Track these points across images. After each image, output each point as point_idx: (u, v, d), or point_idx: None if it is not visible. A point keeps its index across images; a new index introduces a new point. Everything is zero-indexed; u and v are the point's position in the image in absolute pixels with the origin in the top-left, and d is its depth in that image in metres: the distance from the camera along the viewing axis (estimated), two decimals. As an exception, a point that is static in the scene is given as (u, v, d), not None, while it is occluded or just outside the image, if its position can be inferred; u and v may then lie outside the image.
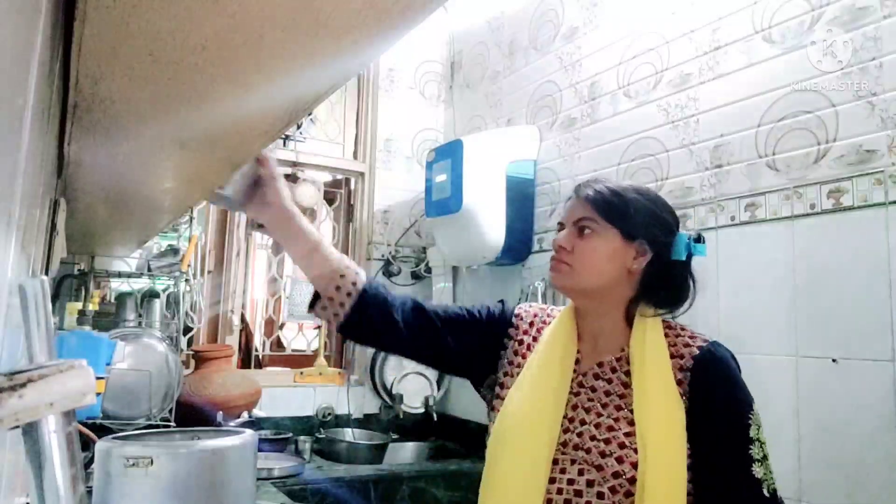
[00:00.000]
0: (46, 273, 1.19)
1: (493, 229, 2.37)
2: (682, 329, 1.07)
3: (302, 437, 2.51)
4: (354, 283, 1.11)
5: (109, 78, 0.68)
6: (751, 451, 0.95)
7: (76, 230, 1.78)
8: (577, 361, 1.10)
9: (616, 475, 0.96)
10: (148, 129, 0.89)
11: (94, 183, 1.21)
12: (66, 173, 1.11)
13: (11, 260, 0.50)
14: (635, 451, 0.96)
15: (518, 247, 2.43)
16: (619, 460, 0.96)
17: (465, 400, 2.81)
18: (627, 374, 1.04)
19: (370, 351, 2.92)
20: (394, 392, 2.83)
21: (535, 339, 1.16)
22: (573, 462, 0.99)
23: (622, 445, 0.97)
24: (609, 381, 1.05)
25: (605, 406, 1.03)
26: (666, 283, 1.09)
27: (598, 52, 2.24)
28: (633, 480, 0.95)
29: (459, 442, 2.72)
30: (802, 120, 1.57)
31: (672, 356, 1.02)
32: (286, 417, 2.72)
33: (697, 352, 1.02)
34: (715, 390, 0.99)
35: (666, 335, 1.05)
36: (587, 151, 2.25)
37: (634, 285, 1.08)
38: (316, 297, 1.14)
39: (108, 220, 1.72)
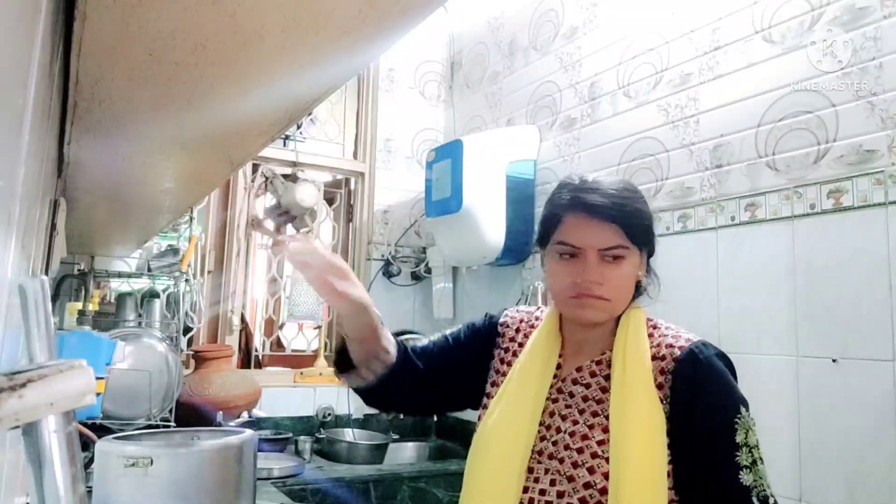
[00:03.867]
0: (46, 273, 1.19)
1: (493, 229, 2.37)
2: (668, 328, 1.01)
3: (302, 437, 2.51)
4: (386, 363, 1.09)
5: (109, 78, 0.68)
6: (737, 458, 0.88)
7: (76, 230, 1.78)
8: (559, 367, 1.06)
9: (587, 486, 0.92)
10: (148, 129, 0.89)
11: (94, 183, 1.22)
12: (66, 173, 1.11)
13: (11, 260, 0.49)
14: (608, 460, 0.92)
15: (518, 247, 2.43)
16: (591, 470, 0.93)
17: (465, 400, 2.81)
18: (607, 378, 0.99)
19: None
20: (394, 392, 2.83)
21: (521, 345, 1.12)
22: (546, 471, 0.97)
23: (594, 455, 0.93)
24: (587, 387, 1.01)
25: (581, 412, 0.98)
26: (647, 273, 1.06)
27: (598, 52, 2.23)
28: (604, 491, 0.90)
29: (459, 442, 2.72)
30: (802, 120, 1.57)
31: (654, 358, 0.96)
32: (286, 417, 2.72)
33: (679, 353, 0.95)
34: (696, 394, 0.92)
35: (650, 335, 0.99)
36: (587, 151, 2.25)
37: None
38: (348, 362, 1.10)
39: (108, 220, 1.72)
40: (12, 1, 0.37)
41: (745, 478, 0.87)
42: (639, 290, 1.04)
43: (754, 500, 0.87)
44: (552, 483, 0.95)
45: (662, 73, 1.97)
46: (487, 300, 2.70)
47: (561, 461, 0.95)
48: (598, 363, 1.02)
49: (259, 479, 1.95)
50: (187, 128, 0.88)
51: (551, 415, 1.01)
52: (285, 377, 2.86)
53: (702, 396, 0.92)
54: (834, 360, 1.45)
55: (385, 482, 2.23)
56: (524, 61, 2.64)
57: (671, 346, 0.97)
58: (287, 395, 2.76)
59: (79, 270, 2.44)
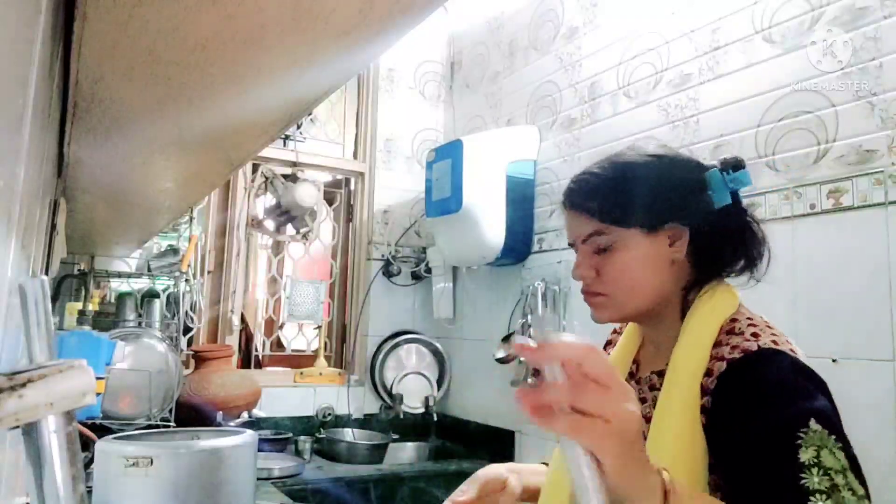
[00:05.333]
0: (46, 273, 1.19)
1: (493, 229, 2.37)
2: (743, 332, 0.81)
3: (302, 437, 2.51)
4: None
5: (109, 78, 0.68)
6: (804, 482, 0.66)
7: (76, 230, 1.78)
8: (632, 374, 0.94)
9: None
10: (148, 129, 0.89)
11: (94, 183, 1.22)
12: (66, 173, 1.11)
13: (11, 260, 0.50)
14: None
15: (518, 247, 2.43)
16: None
17: (465, 400, 2.81)
18: None
19: (370, 351, 2.92)
20: (394, 392, 2.83)
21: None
22: None
23: None
24: (643, 402, 0.87)
25: None
26: (721, 242, 0.88)
27: (598, 52, 2.23)
28: None
29: (459, 442, 2.72)
30: (802, 120, 1.57)
31: (707, 373, 0.79)
32: (286, 417, 2.72)
33: (725, 366, 0.77)
34: (741, 412, 0.73)
35: (719, 342, 0.81)
36: (587, 151, 2.25)
37: (685, 273, 0.88)
38: None
39: (108, 220, 1.72)
40: (12, 1, 0.37)
41: None
42: (703, 263, 0.88)
43: None
44: None
45: (662, 73, 1.97)
46: (487, 300, 2.70)
47: None
48: (661, 374, 0.87)
49: (259, 479, 1.95)
50: (187, 128, 0.88)
51: None
52: (285, 377, 2.86)
53: (747, 414, 0.72)
54: (834, 360, 1.45)
55: (385, 482, 2.23)
56: (524, 61, 2.64)
57: (724, 357, 0.78)
58: (287, 395, 2.76)
59: (79, 270, 2.44)
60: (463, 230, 2.40)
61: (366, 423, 2.85)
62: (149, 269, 2.53)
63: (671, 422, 0.79)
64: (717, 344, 0.81)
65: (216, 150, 1.00)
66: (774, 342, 0.79)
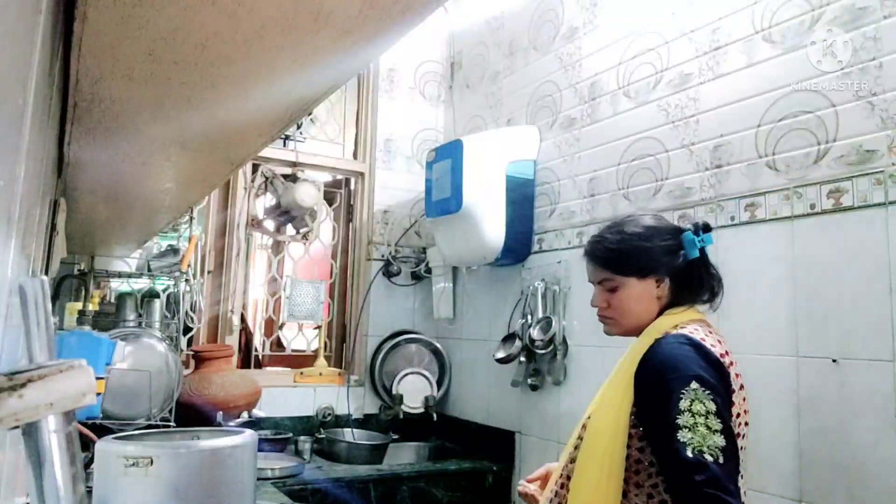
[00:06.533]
0: (46, 273, 1.19)
1: (493, 229, 2.37)
2: (679, 331, 1.18)
3: (302, 437, 2.51)
4: None
5: (109, 78, 0.68)
6: (678, 421, 1.06)
7: (76, 230, 1.78)
8: None
9: (576, 447, 1.24)
10: (148, 129, 0.89)
11: (94, 183, 1.22)
12: (66, 173, 1.11)
13: (11, 260, 0.50)
14: (584, 427, 1.23)
15: (518, 247, 2.43)
16: (578, 437, 1.24)
17: (465, 400, 2.82)
18: None
19: (370, 351, 2.92)
20: (394, 392, 2.83)
21: None
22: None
23: (583, 426, 1.24)
24: None
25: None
26: (688, 282, 1.27)
27: (598, 52, 2.24)
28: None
29: (459, 442, 2.72)
30: (802, 120, 1.57)
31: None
32: (286, 417, 2.72)
33: (645, 350, 1.16)
34: (646, 380, 1.14)
35: (664, 336, 1.18)
36: (587, 151, 2.25)
37: (666, 302, 1.27)
38: None
39: (108, 220, 1.72)
40: (12, 1, 0.37)
41: (684, 435, 1.05)
42: (676, 295, 1.27)
43: (688, 453, 1.04)
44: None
45: (662, 73, 1.97)
46: (487, 300, 2.70)
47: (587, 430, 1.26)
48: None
49: (259, 479, 1.95)
50: (187, 128, 0.88)
51: None
52: (285, 377, 2.86)
53: (650, 381, 1.14)
54: (834, 361, 1.45)
55: (385, 482, 2.23)
56: (524, 61, 2.64)
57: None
58: (287, 395, 2.76)
59: (79, 270, 2.44)
60: (463, 230, 2.40)
61: (366, 423, 2.85)
62: (149, 269, 2.53)
63: (615, 380, 1.22)
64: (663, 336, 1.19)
65: (216, 150, 1.00)
66: (686, 332, 1.16)
